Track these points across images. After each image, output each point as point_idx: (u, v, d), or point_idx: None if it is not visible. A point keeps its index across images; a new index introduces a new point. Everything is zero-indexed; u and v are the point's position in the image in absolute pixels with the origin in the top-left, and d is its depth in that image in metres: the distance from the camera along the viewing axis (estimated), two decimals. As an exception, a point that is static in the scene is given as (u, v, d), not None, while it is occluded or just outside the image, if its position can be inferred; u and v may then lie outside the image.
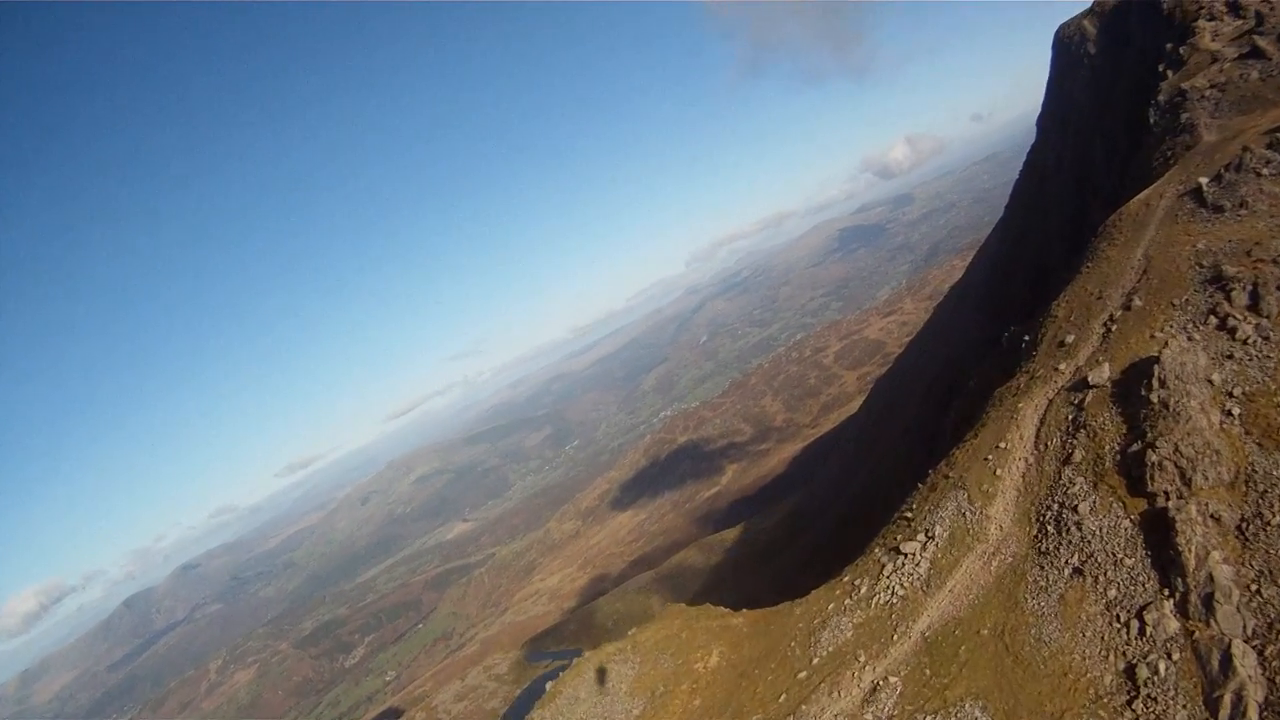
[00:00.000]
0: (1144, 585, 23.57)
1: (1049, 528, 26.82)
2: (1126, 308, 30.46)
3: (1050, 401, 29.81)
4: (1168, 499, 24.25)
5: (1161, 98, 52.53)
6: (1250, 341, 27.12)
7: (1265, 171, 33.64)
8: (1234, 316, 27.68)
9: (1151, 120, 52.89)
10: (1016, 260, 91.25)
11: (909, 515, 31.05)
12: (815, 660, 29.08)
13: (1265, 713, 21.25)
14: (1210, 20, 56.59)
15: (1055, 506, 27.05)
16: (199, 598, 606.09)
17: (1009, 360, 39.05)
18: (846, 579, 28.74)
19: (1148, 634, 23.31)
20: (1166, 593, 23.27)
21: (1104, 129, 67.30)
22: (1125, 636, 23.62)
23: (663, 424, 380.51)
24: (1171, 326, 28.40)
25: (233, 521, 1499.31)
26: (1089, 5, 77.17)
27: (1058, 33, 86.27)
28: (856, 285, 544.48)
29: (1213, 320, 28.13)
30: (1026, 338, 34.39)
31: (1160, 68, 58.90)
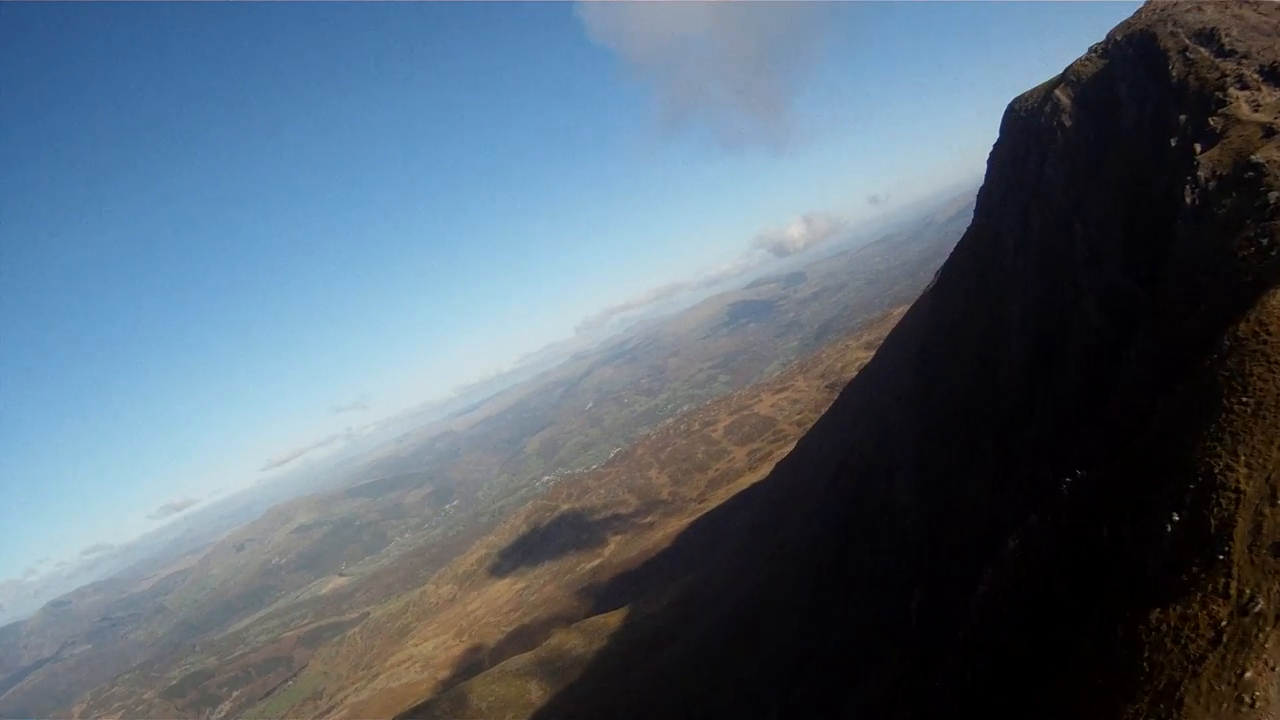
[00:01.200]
0: None
1: None
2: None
3: (1317, 680, 15.88)
4: None
5: (1202, 174, 41.52)
6: None
7: None
8: None
9: (1188, 200, 41.68)
10: (956, 354, 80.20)
11: None
12: None
13: None
14: (1243, 89, 46.42)
15: None
16: (68, 636, 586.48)
17: (1081, 520, 26.06)
18: None
19: None
20: None
21: (1088, 212, 56.74)
22: None
23: (545, 490, 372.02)
24: None
25: (106, 560, 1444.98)
26: (1060, 73, 67.34)
27: (1013, 106, 76.14)
28: (745, 359, 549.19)
29: None
30: (1176, 517, 20.88)
31: (1172, 141, 48.38)
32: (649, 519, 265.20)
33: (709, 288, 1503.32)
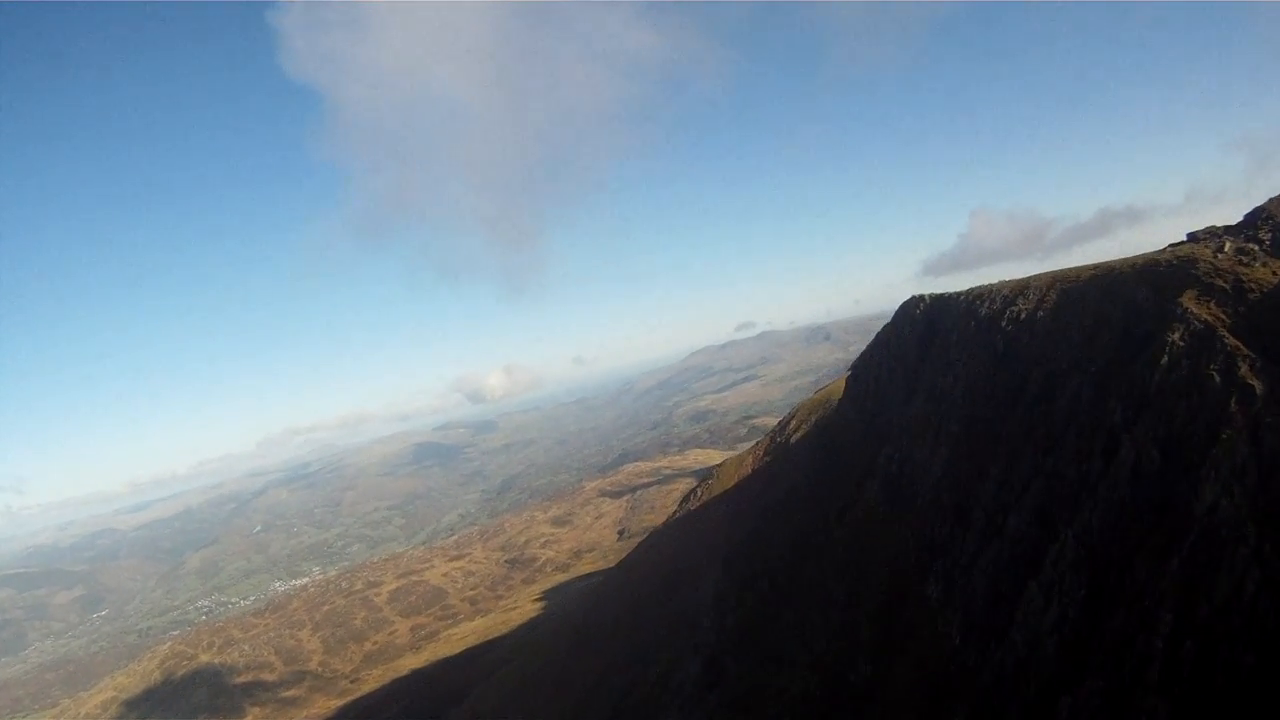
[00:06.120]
0: None
1: None
2: None
3: None
4: None
5: None
6: None
7: None
8: None
9: None
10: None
11: None
12: None
13: None
14: None
15: None
16: None
17: None
18: None
19: None
20: None
21: None
22: None
23: (191, 626, 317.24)
24: None
25: None
26: (1139, 261, 29.51)
27: (992, 316, 38.07)
28: (424, 504, 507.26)
29: None
30: None
31: None
32: (294, 691, 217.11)
33: (399, 422, 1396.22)
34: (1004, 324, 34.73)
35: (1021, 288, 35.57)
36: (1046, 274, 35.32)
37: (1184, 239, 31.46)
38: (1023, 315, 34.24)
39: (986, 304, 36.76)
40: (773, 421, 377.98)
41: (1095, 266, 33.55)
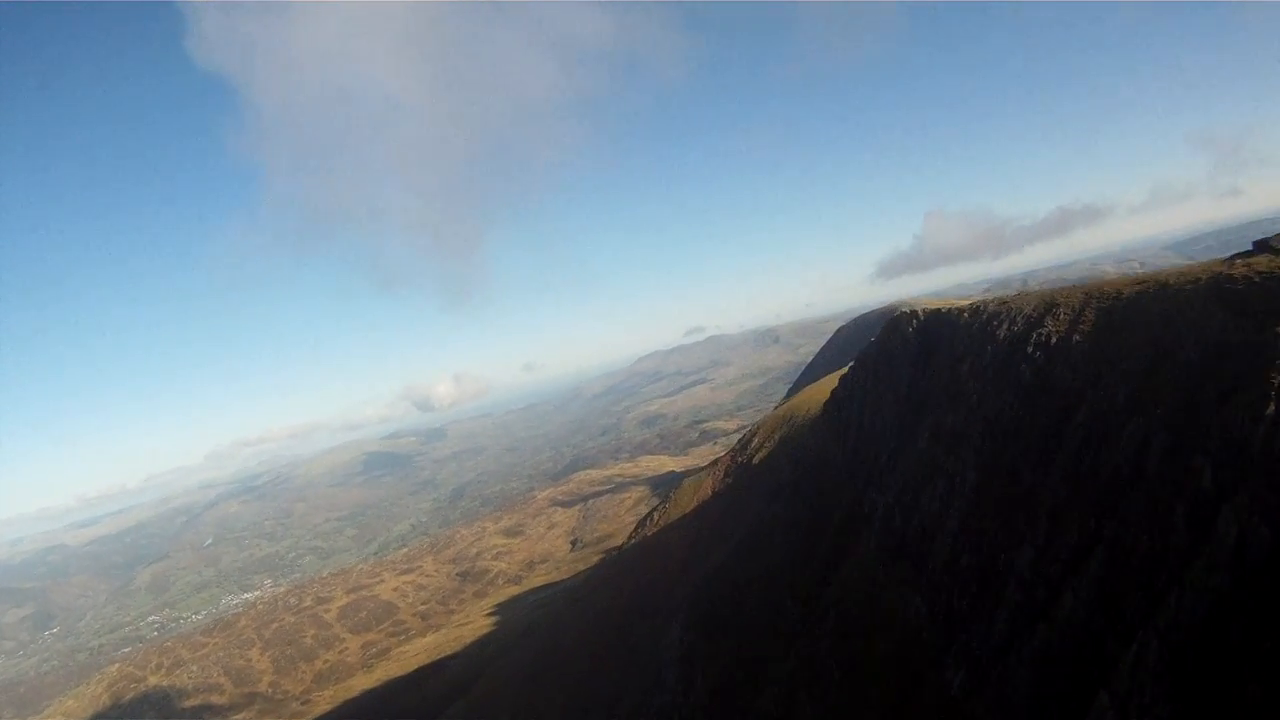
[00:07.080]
0: None
1: None
2: None
3: None
4: None
5: None
6: None
7: None
8: None
9: None
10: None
11: None
12: None
13: None
14: None
15: None
16: None
17: None
18: None
19: None
20: None
21: None
22: None
23: (134, 655, 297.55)
24: None
25: None
26: None
27: (1014, 333, 31.43)
28: (375, 514, 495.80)
29: None
30: None
31: None
32: (244, 715, 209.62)
33: (349, 432, 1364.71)
34: (1030, 349, 28.38)
35: (1048, 305, 29.21)
36: (1076, 289, 29.05)
37: (1250, 248, 25.66)
38: (1054, 340, 27.91)
39: (1005, 324, 30.23)
40: (724, 425, 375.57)
41: (1139, 280, 27.32)
